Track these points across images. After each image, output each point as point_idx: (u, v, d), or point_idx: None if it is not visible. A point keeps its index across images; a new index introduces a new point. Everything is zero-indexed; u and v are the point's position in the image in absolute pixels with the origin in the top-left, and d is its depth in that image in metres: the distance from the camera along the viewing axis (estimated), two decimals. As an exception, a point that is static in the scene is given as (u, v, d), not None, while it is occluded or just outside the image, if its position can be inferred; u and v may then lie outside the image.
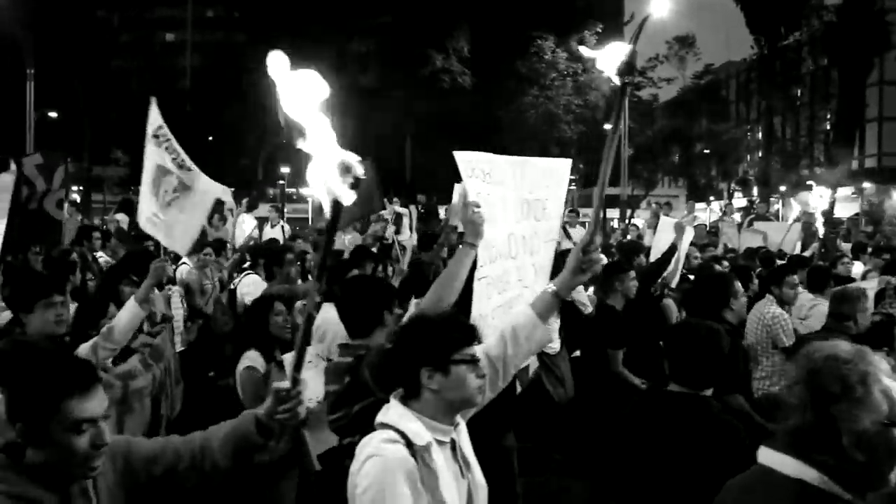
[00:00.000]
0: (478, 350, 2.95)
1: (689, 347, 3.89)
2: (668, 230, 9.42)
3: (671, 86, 46.49)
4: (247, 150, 38.12)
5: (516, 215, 4.34)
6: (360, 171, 2.35)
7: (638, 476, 3.79)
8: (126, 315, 4.95)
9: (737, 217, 16.33)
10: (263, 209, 18.54)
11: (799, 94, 51.28)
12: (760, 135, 52.11)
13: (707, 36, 65.48)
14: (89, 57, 33.49)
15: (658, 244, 9.24)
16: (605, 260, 7.56)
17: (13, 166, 7.63)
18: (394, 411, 2.83)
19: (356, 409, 3.40)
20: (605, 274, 6.81)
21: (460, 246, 3.82)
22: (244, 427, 2.61)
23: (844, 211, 25.22)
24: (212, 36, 47.93)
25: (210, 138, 33.41)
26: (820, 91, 47.09)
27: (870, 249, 11.91)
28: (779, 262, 10.02)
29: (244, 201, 16.23)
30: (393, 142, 36.13)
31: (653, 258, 8.64)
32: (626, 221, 24.82)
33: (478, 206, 3.76)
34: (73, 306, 7.13)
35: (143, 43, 41.43)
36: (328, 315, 5.36)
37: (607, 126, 28.78)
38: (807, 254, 10.69)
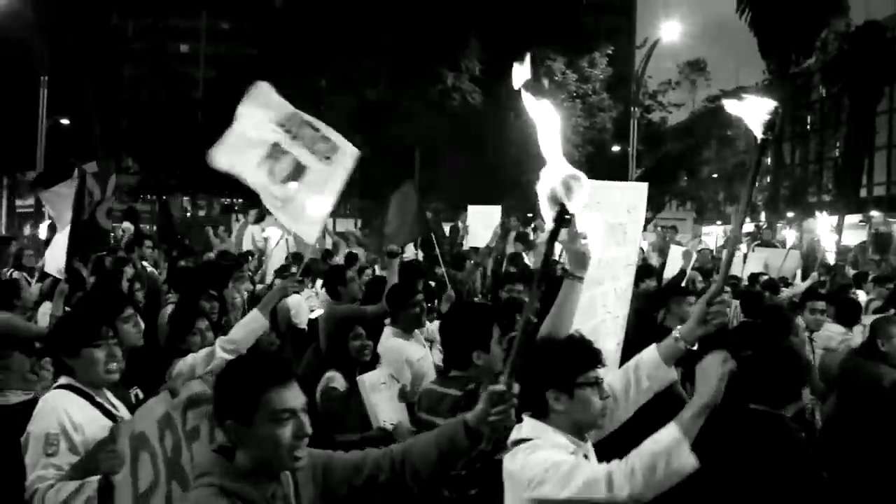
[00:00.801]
0: (601, 373, 3.08)
1: (773, 368, 3.99)
2: (679, 258, 9.51)
3: (681, 111, 46.51)
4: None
5: (604, 241, 4.30)
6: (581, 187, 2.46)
7: (713, 490, 3.84)
8: (245, 324, 5.10)
9: (742, 247, 16.34)
10: (270, 221, 18.56)
11: (809, 121, 51.28)
12: (769, 160, 52.09)
13: (718, 60, 65.69)
14: (102, 64, 33.69)
15: (670, 272, 9.34)
16: (731, 311, 7.61)
17: (75, 174, 7.46)
18: (531, 426, 3.00)
19: None
20: (663, 296, 6.92)
21: (566, 280, 3.73)
22: (451, 433, 2.68)
23: (852, 238, 25.15)
24: (224, 48, 48.25)
25: (220, 149, 33.49)
26: (830, 118, 47.10)
27: (871, 278, 11.87)
28: (783, 289, 10.01)
29: (252, 213, 16.27)
30: (401, 157, 36.17)
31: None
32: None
33: (585, 238, 3.65)
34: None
35: (156, 52, 41.69)
36: (389, 342, 5.75)
37: (615, 148, 28.77)
38: (807, 283, 10.64)
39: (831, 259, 12.64)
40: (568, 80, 34.40)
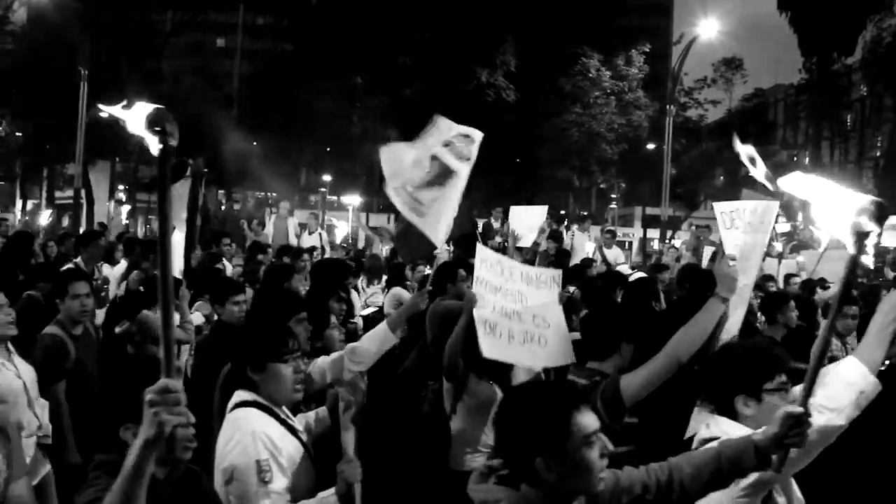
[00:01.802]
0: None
1: None
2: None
3: (717, 108, 46.07)
4: (290, 157, 38.53)
5: (752, 259, 4.27)
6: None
7: None
8: (378, 338, 4.89)
9: (778, 246, 16.11)
10: (303, 215, 18.74)
11: (849, 120, 50.54)
12: (807, 160, 51.44)
13: (755, 58, 64.86)
14: (141, 58, 34.14)
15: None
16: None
17: (188, 172, 7.38)
18: (727, 425, 3.06)
19: None
20: (769, 304, 6.86)
21: (711, 298, 3.78)
22: (737, 453, 2.69)
23: (892, 240, 24.76)
24: (261, 43, 48.60)
25: (255, 143, 33.81)
26: (871, 117, 46.38)
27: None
28: (819, 290, 9.87)
29: (283, 205, 16.42)
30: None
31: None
32: (666, 242, 24.60)
33: (734, 259, 3.75)
34: (197, 314, 7.28)
35: (194, 47, 42.15)
36: None
37: (650, 146, 28.51)
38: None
39: (871, 261, 12.44)
40: (603, 76, 34.20)
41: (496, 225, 14.73)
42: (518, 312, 5.04)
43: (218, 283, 7.05)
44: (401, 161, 5.90)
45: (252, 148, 32.97)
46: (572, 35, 33.52)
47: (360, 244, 21.97)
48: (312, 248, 12.59)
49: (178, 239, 7.24)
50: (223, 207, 38.15)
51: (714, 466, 2.70)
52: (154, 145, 1.96)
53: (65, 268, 8.27)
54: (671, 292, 8.98)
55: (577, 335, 5.17)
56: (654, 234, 32.16)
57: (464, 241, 10.86)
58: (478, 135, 6.01)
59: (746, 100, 48.69)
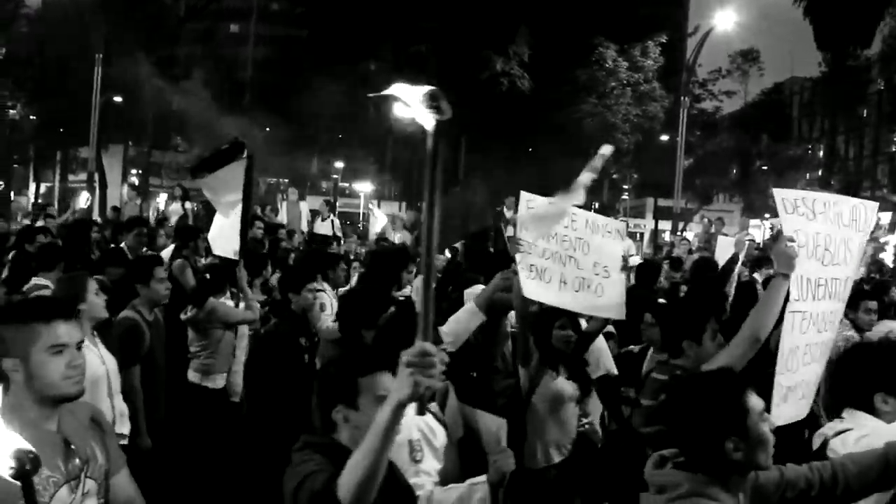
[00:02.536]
0: None
1: None
2: (728, 249, 9.41)
3: (732, 100, 45.66)
4: (302, 144, 38.54)
5: (842, 256, 4.26)
6: None
7: None
8: (465, 318, 4.89)
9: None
10: (315, 202, 18.76)
11: (865, 114, 50.13)
12: (822, 154, 51.09)
13: (771, 50, 64.38)
14: (155, 44, 34.15)
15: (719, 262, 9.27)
16: None
17: (245, 153, 7.28)
18: (865, 417, 3.21)
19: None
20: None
21: (773, 278, 3.91)
22: None
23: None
24: (275, 29, 48.55)
25: (267, 129, 33.82)
26: (887, 111, 45.98)
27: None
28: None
29: (292, 191, 16.46)
30: (447, 142, 36.22)
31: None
32: (678, 234, 24.50)
33: (792, 241, 3.84)
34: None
35: (207, 33, 42.11)
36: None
37: (664, 137, 28.38)
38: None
39: (889, 257, 12.35)
40: (619, 67, 34.03)
41: (509, 214, 14.71)
42: (576, 259, 5.02)
43: (292, 271, 7.20)
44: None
45: (265, 134, 33.00)
46: (588, 25, 33.37)
47: (372, 232, 21.96)
48: (335, 238, 12.67)
49: (231, 221, 7.21)
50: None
51: (881, 466, 2.74)
52: (428, 121, 2.04)
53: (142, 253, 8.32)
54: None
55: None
56: (665, 225, 32.04)
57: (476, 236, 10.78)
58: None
59: (766, 94, 48.30)
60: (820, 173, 45.22)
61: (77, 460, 2.70)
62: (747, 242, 10.90)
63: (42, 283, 6.44)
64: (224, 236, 7.30)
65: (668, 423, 2.77)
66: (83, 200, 16.22)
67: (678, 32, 41.14)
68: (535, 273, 4.82)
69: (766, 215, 43.81)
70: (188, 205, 16.28)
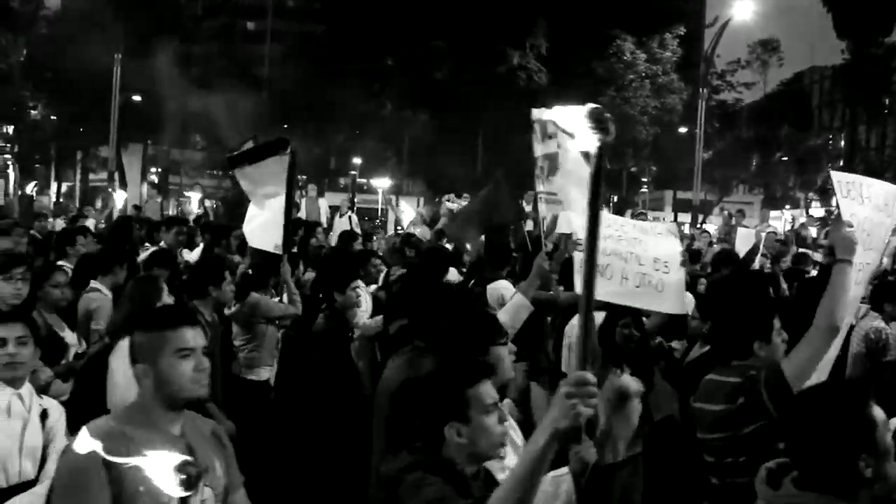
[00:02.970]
0: None
1: None
2: (749, 240, 9.34)
3: (752, 91, 45.31)
4: (321, 139, 38.62)
5: (876, 241, 4.23)
6: None
7: None
8: (513, 309, 4.94)
9: (812, 231, 15.85)
10: (335, 198, 18.81)
11: (887, 103, 49.57)
12: (843, 143, 50.59)
13: (791, 40, 63.81)
14: (172, 42, 34.32)
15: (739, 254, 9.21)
16: None
17: (288, 149, 7.28)
18: None
19: (747, 431, 3.58)
20: (881, 292, 6.85)
21: (836, 264, 3.83)
22: None
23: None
24: (291, 25, 48.67)
25: (286, 126, 33.92)
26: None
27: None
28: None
29: (311, 187, 16.48)
30: (466, 137, 36.16)
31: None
32: (698, 227, 24.36)
33: (850, 226, 3.82)
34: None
35: (224, 30, 42.30)
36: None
37: (683, 129, 28.21)
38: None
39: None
40: (637, 59, 33.85)
41: (528, 208, 14.65)
42: (636, 255, 5.04)
43: (335, 269, 7.15)
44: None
45: (282, 130, 33.07)
46: (605, 17, 33.21)
47: (390, 228, 22.02)
48: (354, 234, 12.66)
49: (272, 215, 7.22)
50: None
51: None
52: (592, 143, 2.03)
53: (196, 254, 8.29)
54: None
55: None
56: (685, 218, 31.87)
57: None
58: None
59: (786, 84, 47.85)
60: (842, 163, 44.73)
61: (198, 466, 2.74)
62: (767, 234, 10.79)
63: (97, 287, 6.42)
64: (264, 230, 7.30)
65: (791, 439, 2.66)
66: (120, 199, 16.28)
67: (696, 23, 40.85)
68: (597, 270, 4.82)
69: (787, 206, 43.54)
70: (207, 203, 16.33)
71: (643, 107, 34.35)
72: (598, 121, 2.00)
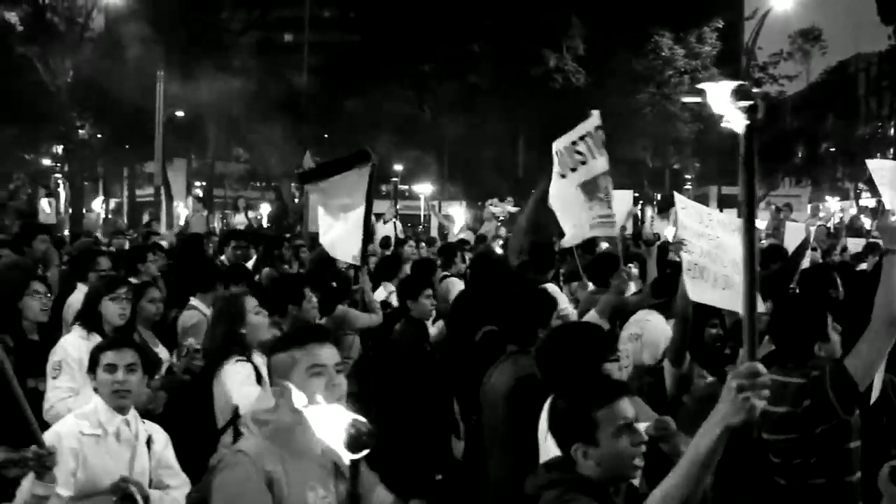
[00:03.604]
0: None
1: None
2: (799, 234, 9.16)
3: (794, 83, 44.52)
4: (359, 147, 38.86)
5: None
6: None
7: None
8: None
9: (867, 222, 15.54)
10: (381, 205, 18.89)
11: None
12: (893, 131, 49.48)
13: (834, 27, 62.57)
14: (213, 58, 34.81)
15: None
16: None
17: (372, 159, 7.18)
18: None
19: (817, 432, 3.60)
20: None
21: (885, 256, 3.78)
22: None
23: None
24: (328, 36, 49.04)
25: (326, 136, 34.23)
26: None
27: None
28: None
29: None
30: (505, 140, 36.10)
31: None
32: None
33: (894, 214, 3.79)
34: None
35: (262, 44, 42.73)
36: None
37: (724, 124, 27.77)
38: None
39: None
40: (676, 55, 33.49)
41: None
42: (719, 256, 5.01)
43: (408, 278, 7.28)
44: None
45: (323, 141, 33.36)
46: (642, 14, 32.89)
47: (433, 232, 22.05)
48: (399, 240, 12.71)
49: (350, 226, 7.16)
50: (296, 200, 38.71)
51: None
52: (739, 122, 2.01)
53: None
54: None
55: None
56: (730, 213, 31.41)
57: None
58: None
59: (830, 73, 46.98)
60: (892, 151, 43.77)
61: (346, 485, 2.72)
62: (817, 227, 10.57)
63: (195, 304, 6.40)
64: (343, 241, 7.27)
65: None
66: (191, 214, 16.50)
67: (735, 16, 40.28)
68: (696, 272, 4.81)
69: (837, 197, 42.70)
70: (251, 214, 16.48)
71: (684, 103, 33.96)
72: (743, 96, 1.97)
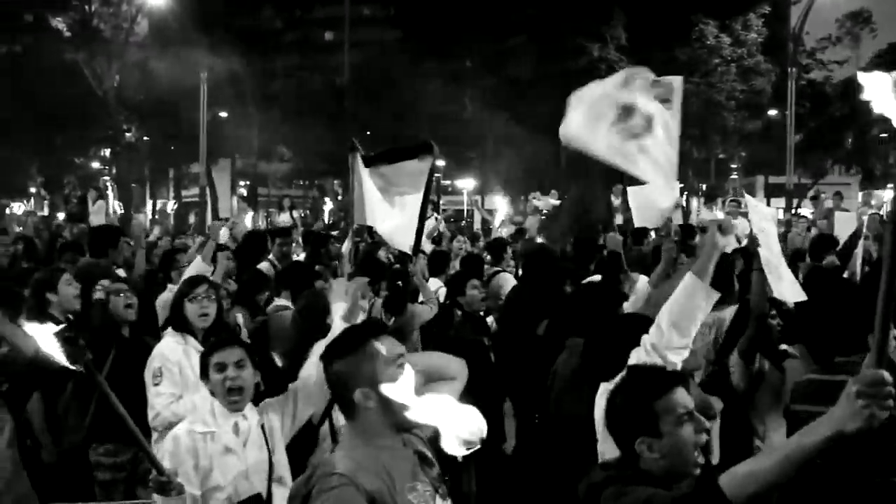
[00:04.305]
0: None
1: None
2: (850, 224, 8.93)
3: (844, 68, 43.48)
4: (402, 143, 38.93)
5: None
6: None
7: None
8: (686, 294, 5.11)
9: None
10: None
11: None
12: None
13: (885, 7, 60.96)
14: (255, 57, 35.16)
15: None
16: None
17: (435, 151, 7.06)
18: None
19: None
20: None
21: None
22: None
23: None
24: (368, 33, 49.22)
25: (368, 133, 34.32)
26: None
27: None
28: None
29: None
30: (548, 133, 35.92)
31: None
32: (792, 212, 23.55)
33: None
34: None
35: (304, 42, 43.04)
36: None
37: (772, 112, 27.26)
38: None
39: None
40: (721, 43, 32.95)
41: (616, 202, 14.40)
42: (775, 249, 5.01)
43: (460, 272, 7.34)
44: (591, 126, 5.78)
45: (364, 137, 33.46)
46: (685, 2, 32.40)
47: (476, 227, 22.00)
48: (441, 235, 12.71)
49: (407, 216, 7.17)
50: (340, 198, 38.97)
51: None
52: None
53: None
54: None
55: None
56: (778, 203, 30.86)
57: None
58: (671, 79, 5.87)
59: (881, 55, 45.73)
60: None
61: (436, 468, 2.71)
62: (870, 216, 10.25)
63: (283, 304, 6.43)
64: (400, 231, 7.11)
65: None
66: (248, 217, 16.61)
67: (781, 2, 39.50)
68: (772, 269, 4.77)
69: (890, 185, 41.65)
70: (295, 213, 16.55)
71: (729, 91, 33.40)
72: None
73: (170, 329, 5.38)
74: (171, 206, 33.39)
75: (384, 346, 2.63)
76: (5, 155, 30.26)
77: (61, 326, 2.92)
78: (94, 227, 11.82)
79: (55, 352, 2.87)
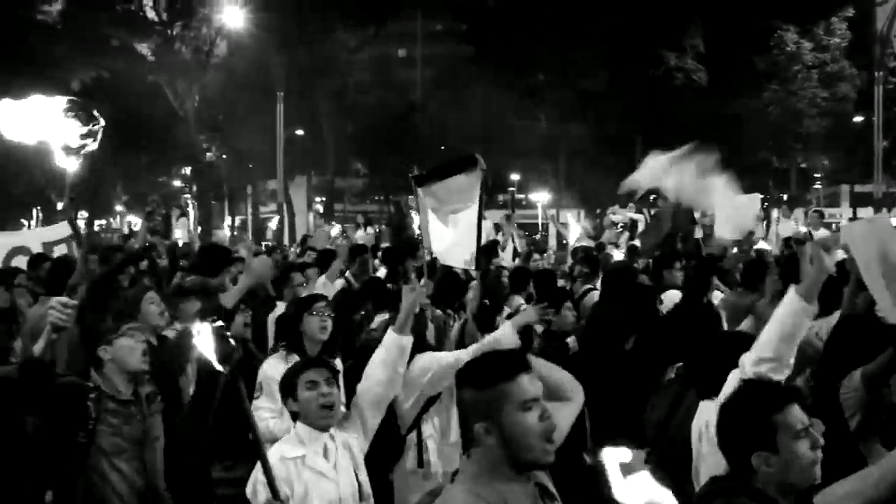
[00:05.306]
0: None
1: None
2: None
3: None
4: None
5: None
6: None
7: None
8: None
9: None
10: (495, 215, 18.81)
11: None
12: None
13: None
14: (330, 75, 35.70)
15: None
16: None
17: (481, 164, 7.02)
18: None
19: None
20: None
21: None
22: None
23: None
24: (440, 48, 49.53)
25: (442, 148, 34.46)
26: None
27: None
28: None
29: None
30: (623, 144, 35.44)
31: None
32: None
33: None
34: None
35: (377, 59, 43.52)
36: None
37: (858, 118, 26.41)
38: None
39: None
40: (802, 49, 32.06)
41: (697, 215, 14.04)
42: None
43: (545, 291, 7.25)
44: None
45: (440, 151, 33.64)
46: (764, 9, 31.64)
47: (551, 241, 21.80)
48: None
49: (460, 231, 7.04)
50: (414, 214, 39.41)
51: None
52: None
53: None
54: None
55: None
56: (864, 213, 29.77)
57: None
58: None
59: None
60: None
61: (557, 502, 2.67)
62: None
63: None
64: (456, 246, 7.11)
65: None
66: (334, 230, 16.81)
67: (866, 3, 38.23)
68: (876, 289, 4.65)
69: None
70: (370, 230, 16.60)
71: (811, 99, 32.44)
72: None
73: (280, 347, 5.38)
74: (275, 223, 33.69)
75: (518, 387, 2.47)
76: (94, 174, 31.29)
77: (218, 323, 2.94)
78: (203, 247, 12.03)
79: (208, 351, 2.93)
